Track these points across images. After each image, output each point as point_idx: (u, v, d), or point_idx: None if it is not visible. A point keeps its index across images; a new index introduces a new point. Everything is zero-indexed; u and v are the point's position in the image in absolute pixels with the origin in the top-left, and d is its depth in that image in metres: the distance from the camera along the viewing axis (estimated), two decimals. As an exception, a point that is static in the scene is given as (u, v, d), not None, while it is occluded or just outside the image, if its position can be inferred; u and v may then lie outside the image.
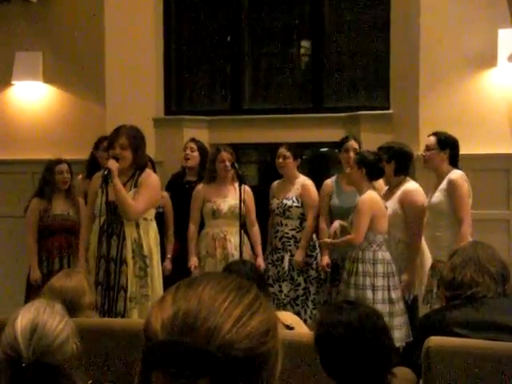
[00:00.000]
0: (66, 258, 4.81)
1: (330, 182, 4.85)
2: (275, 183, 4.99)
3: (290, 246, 4.77)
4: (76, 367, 1.72)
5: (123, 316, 3.83)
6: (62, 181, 4.85)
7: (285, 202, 4.80)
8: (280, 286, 4.74)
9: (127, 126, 4.00)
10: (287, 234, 4.79)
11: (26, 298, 4.78)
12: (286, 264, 4.74)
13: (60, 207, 4.85)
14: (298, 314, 4.47)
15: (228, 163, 4.59)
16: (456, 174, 4.06)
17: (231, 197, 4.63)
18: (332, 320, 1.97)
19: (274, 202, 4.84)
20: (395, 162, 4.32)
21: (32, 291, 4.71)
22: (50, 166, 4.87)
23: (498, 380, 2.33)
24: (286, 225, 4.79)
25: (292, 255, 4.74)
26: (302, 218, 4.82)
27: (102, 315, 3.76)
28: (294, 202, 4.79)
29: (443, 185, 4.08)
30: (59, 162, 4.90)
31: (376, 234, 4.15)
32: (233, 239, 4.55)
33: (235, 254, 4.48)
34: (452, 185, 4.02)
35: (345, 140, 4.77)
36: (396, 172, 4.35)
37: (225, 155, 4.61)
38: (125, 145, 3.89)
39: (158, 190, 4.12)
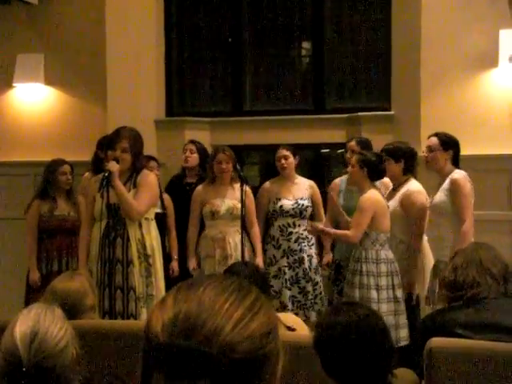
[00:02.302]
0: (65, 258, 4.83)
1: (338, 180, 4.87)
2: (269, 184, 4.92)
3: (305, 246, 4.76)
4: (75, 372, 1.72)
5: (135, 317, 3.85)
6: (65, 182, 4.88)
7: (301, 202, 4.79)
8: (300, 288, 4.71)
9: (127, 129, 4.02)
10: (302, 234, 4.77)
11: (26, 298, 4.80)
12: (307, 265, 4.73)
13: (61, 208, 4.87)
14: (319, 312, 4.63)
15: (225, 165, 4.58)
16: (459, 174, 4.07)
17: (229, 198, 4.62)
18: (330, 321, 1.96)
19: (286, 203, 4.78)
20: (404, 162, 4.36)
21: (31, 292, 4.75)
22: (54, 167, 4.89)
23: (500, 381, 2.32)
24: (300, 225, 4.77)
25: (308, 255, 4.74)
26: (310, 218, 4.84)
27: (114, 317, 3.78)
28: (309, 202, 4.82)
29: (445, 184, 4.09)
30: (63, 162, 4.94)
31: (379, 233, 4.15)
32: (231, 240, 4.55)
33: (234, 255, 4.49)
34: (455, 184, 4.03)
35: (347, 141, 4.87)
36: (404, 172, 4.38)
37: (221, 156, 4.60)
38: (126, 148, 3.93)
39: (157, 188, 4.15)
